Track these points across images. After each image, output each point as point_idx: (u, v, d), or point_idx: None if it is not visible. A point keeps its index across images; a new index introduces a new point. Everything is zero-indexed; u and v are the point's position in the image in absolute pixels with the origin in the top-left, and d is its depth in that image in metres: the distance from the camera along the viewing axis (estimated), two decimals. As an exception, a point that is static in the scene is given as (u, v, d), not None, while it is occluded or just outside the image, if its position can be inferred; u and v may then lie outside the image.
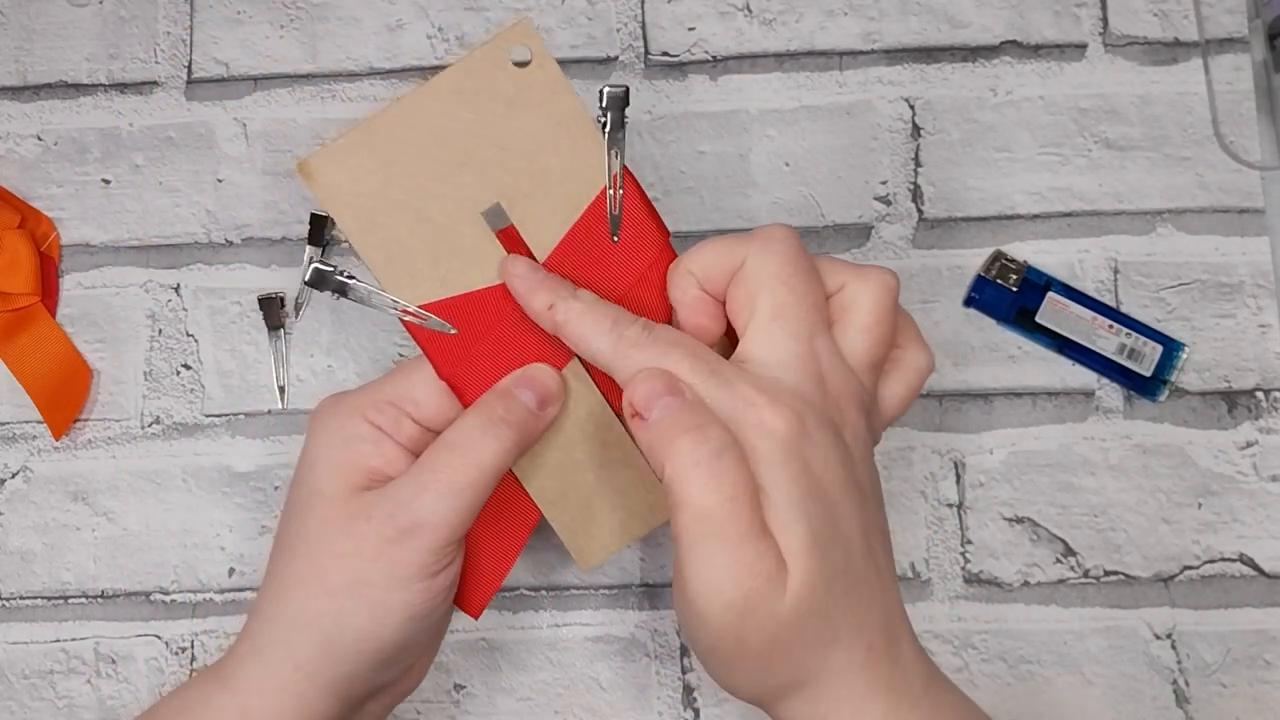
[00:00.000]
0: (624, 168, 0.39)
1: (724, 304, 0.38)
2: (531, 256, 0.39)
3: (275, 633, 0.37)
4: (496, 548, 0.41)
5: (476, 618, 0.41)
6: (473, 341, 0.39)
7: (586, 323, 0.37)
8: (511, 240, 0.39)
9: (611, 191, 0.39)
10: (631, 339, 0.36)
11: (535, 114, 0.38)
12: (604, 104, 0.39)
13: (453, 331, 0.39)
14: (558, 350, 0.39)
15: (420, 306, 0.39)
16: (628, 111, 0.39)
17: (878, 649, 0.34)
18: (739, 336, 0.37)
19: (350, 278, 0.40)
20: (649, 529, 0.41)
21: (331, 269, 0.39)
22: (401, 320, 0.39)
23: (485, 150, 0.38)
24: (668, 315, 0.40)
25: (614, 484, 0.41)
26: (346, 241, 0.38)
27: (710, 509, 0.32)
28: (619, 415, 0.40)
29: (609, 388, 0.40)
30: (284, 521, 0.39)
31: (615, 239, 0.39)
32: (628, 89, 0.39)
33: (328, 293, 0.40)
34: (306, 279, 0.39)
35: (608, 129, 0.39)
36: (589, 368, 0.40)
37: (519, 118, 0.38)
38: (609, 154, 0.39)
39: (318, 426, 0.39)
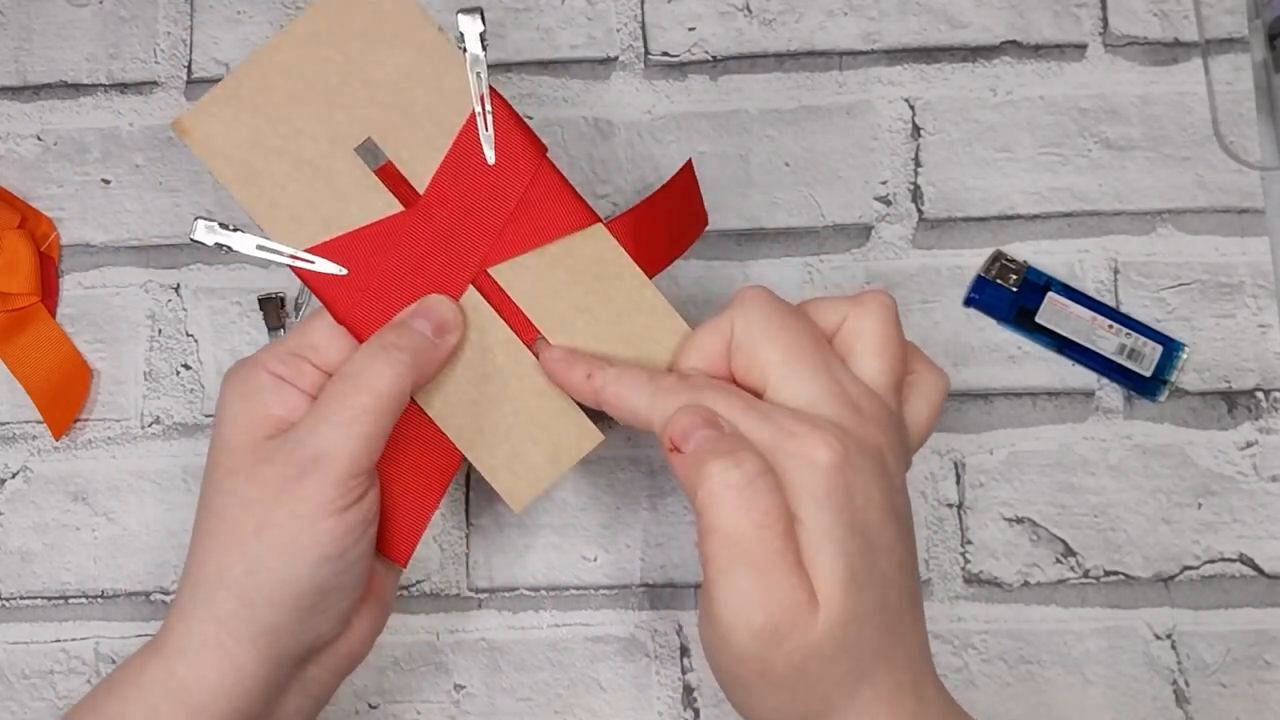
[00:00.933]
0: (490, 88, 0.39)
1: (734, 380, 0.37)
2: (410, 188, 0.39)
3: (197, 592, 0.37)
4: (417, 492, 0.40)
5: (404, 565, 0.40)
6: (365, 280, 0.39)
7: (624, 383, 0.37)
8: (390, 175, 0.39)
9: (480, 111, 0.39)
10: (668, 388, 0.36)
11: (396, 46, 0.39)
12: (461, 26, 0.39)
13: (343, 272, 0.39)
14: (452, 281, 0.39)
15: (307, 250, 0.39)
16: (485, 33, 0.39)
17: (905, 685, 0.34)
18: (762, 397, 0.36)
19: (235, 229, 0.39)
20: (577, 459, 0.40)
21: (215, 222, 0.39)
22: (291, 268, 0.39)
23: (352, 87, 0.39)
24: (556, 232, 0.39)
25: (533, 416, 0.40)
26: (233, 197, 0.39)
27: (741, 534, 0.32)
28: (530, 346, 0.40)
29: (515, 319, 0.40)
30: (202, 484, 0.39)
31: (491, 161, 0.39)
32: (481, 9, 0.39)
33: (214, 249, 0.39)
34: (191, 235, 0.39)
35: (467, 50, 0.39)
36: (490, 298, 0.40)
37: (380, 52, 0.39)
38: (472, 75, 0.39)
39: (225, 387, 0.38)
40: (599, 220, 0.39)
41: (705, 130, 0.51)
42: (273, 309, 0.50)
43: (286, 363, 0.38)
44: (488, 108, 0.39)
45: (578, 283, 0.40)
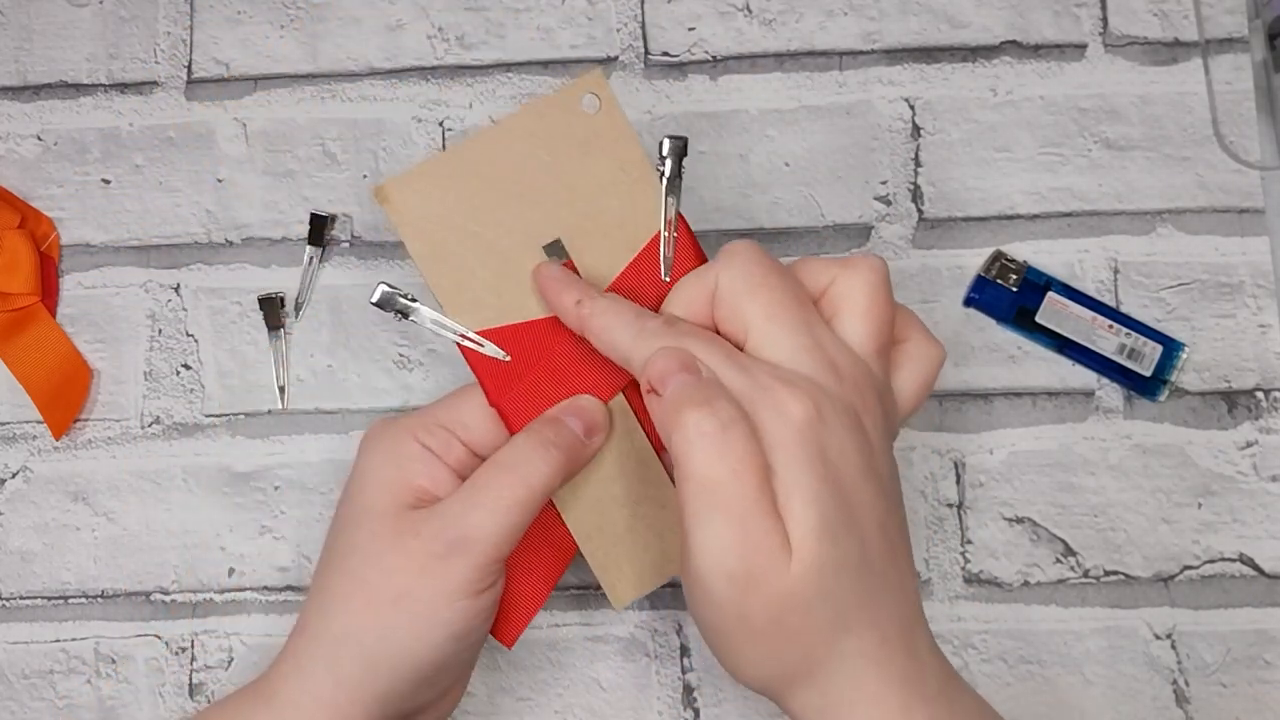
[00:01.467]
0: (679, 213, 0.41)
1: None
2: None
3: (318, 649, 0.37)
4: (533, 578, 0.41)
5: (510, 647, 0.41)
6: (524, 370, 0.40)
7: (610, 315, 0.37)
8: None
9: (666, 234, 0.40)
10: (652, 329, 0.36)
11: (601, 157, 0.41)
12: (664, 152, 0.41)
13: (507, 359, 0.40)
14: (605, 384, 0.41)
15: (478, 333, 0.40)
16: (685, 161, 0.41)
17: (892, 641, 0.34)
18: (742, 351, 0.37)
19: (414, 300, 0.41)
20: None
21: (397, 291, 0.41)
22: (459, 345, 0.40)
23: (552, 188, 0.41)
24: None
25: (650, 523, 0.41)
26: (415, 267, 0.41)
27: (714, 480, 0.33)
28: (660, 455, 0.41)
29: (652, 427, 0.41)
30: (331, 538, 0.39)
31: (666, 279, 0.40)
32: (686, 140, 0.41)
33: (391, 314, 0.41)
34: (374, 300, 0.41)
35: (666, 176, 0.41)
36: (635, 407, 0.41)
37: (586, 160, 0.41)
38: (665, 199, 0.40)
39: (369, 446, 0.39)
40: None
41: (705, 130, 0.51)
42: (273, 309, 0.50)
43: (435, 435, 0.39)
44: (673, 233, 0.40)
45: None
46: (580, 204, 0.41)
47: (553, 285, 0.39)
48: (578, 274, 0.41)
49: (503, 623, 0.41)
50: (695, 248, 0.41)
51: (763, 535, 0.32)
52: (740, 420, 0.33)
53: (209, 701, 0.48)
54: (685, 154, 0.41)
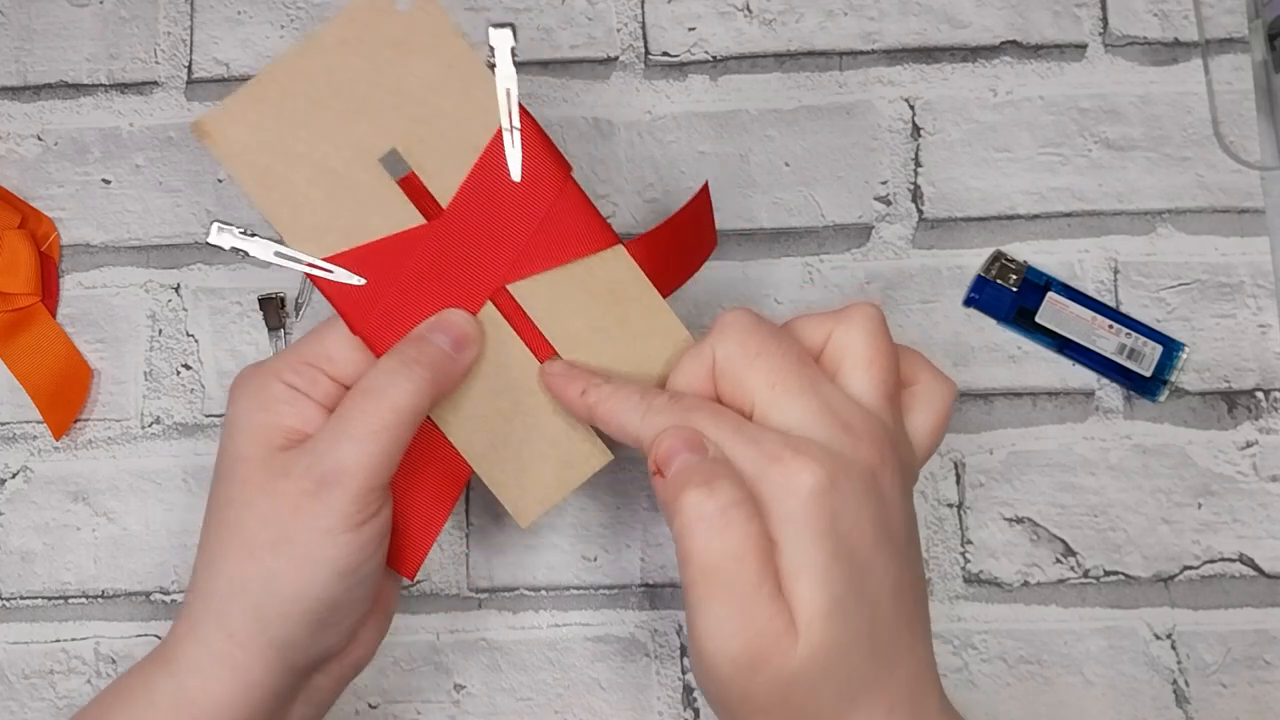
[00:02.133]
0: (520, 106, 0.38)
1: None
2: (433, 201, 0.39)
3: (206, 604, 0.36)
4: (426, 505, 0.40)
5: (412, 578, 0.40)
6: (382, 292, 0.38)
7: (615, 400, 0.37)
8: (412, 186, 0.39)
9: (508, 129, 0.38)
10: (658, 407, 0.36)
11: (425, 58, 0.38)
12: (492, 40, 0.38)
13: (361, 282, 0.38)
14: (471, 294, 0.39)
15: (325, 259, 0.38)
16: (516, 48, 0.38)
17: (900, 710, 0.33)
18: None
19: (252, 235, 0.39)
20: (585, 477, 0.40)
21: (233, 227, 0.39)
22: (308, 276, 0.38)
23: (378, 97, 0.38)
24: (576, 252, 0.39)
25: (544, 433, 0.40)
26: (251, 202, 0.38)
27: (714, 565, 0.32)
28: (544, 364, 0.40)
29: (531, 336, 0.39)
30: (211, 493, 0.38)
31: (517, 179, 0.39)
32: (514, 25, 0.38)
33: (230, 251, 0.39)
34: (209, 239, 0.38)
35: (496, 65, 0.38)
36: (506, 314, 0.39)
37: (409, 63, 0.38)
38: (502, 91, 0.38)
39: (236, 393, 0.38)
40: (619, 242, 0.39)
41: (705, 130, 0.51)
42: (273, 309, 0.50)
43: (300, 373, 0.38)
44: (516, 124, 0.38)
45: (595, 303, 0.39)
46: (411, 109, 0.38)
47: (557, 383, 0.39)
48: (421, 185, 0.39)
49: (399, 553, 0.39)
50: (544, 141, 0.39)
51: (766, 620, 0.32)
52: (742, 502, 0.32)
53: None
54: (516, 42, 0.38)
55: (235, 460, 0.37)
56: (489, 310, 0.39)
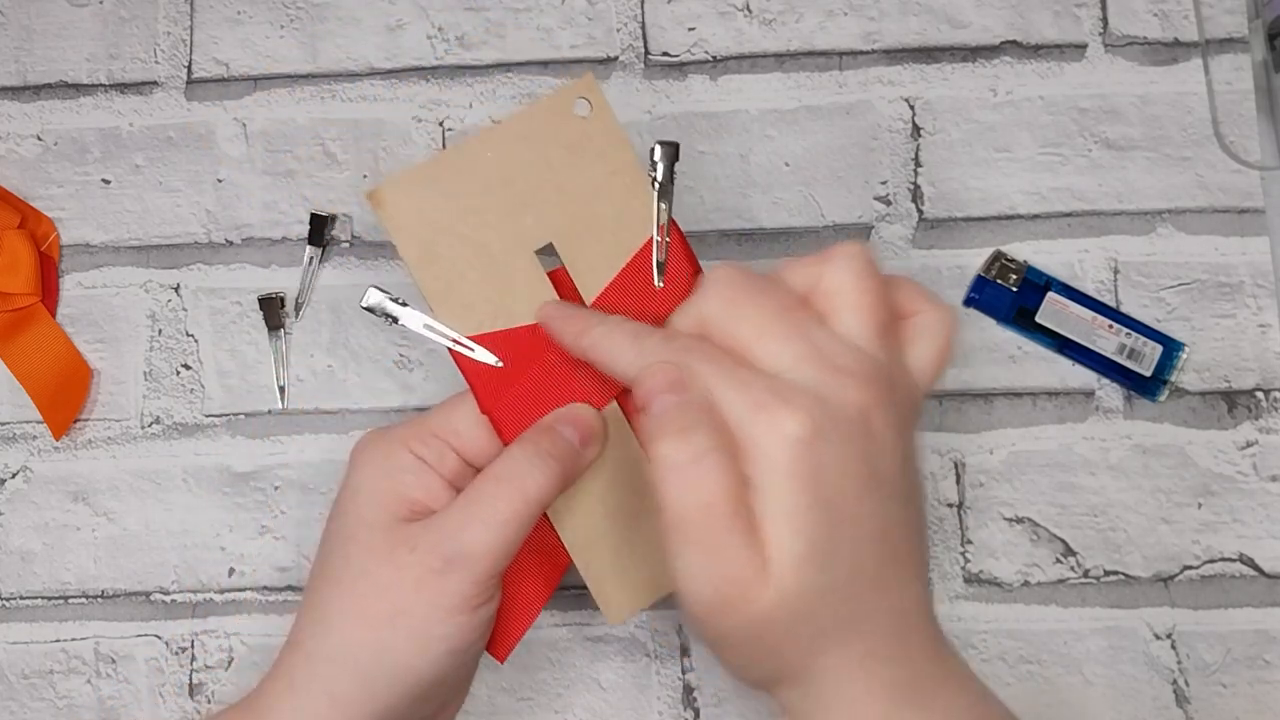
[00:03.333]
0: (671, 218, 0.40)
1: None
2: (579, 297, 0.40)
3: (313, 667, 0.37)
4: (527, 592, 0.41)
5: (502, 662, 0.41)
6: (516, 377, 0.40)
7: (610, 339, 0.37)
8: (561, 280, 0.41)
9: (658, 239, 0.40)
10: (651, 346, 0.36)
11: (593, 162, 0.40)
12: (655, 158, 0.40)
13: (498, 364, 0.40)
14: (599, 392, 0.40)
15: (469, 338, 0.40)
16: (676, 166, 0.41)
17: (879, 653, 0.34)
18: None
19: (404, 304, 0.41)
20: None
21: (387, 294, 0.41)
22: (450, 350, 0.40)
23: (544, 193, 0.40)
24: None
25: (646, 536, 0.41)
26: (406, 270, 0.40)
27: (684, 515, 0.32)
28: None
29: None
30: (323, 552, 0.39)
31: (659, 284, 0.40)
32: (678, 145, 0.40)
33: (381, 318, 0.41)
34: (364, 304, 0.41)
35: (658, 180, 0.40)
36: (628, 415, 0.41)
37: (578, 165, 0.40)
38: (657, 204, 0.40)
39: (361, 458, 0.39)
40: None
41: (705, 130, 0.51)
42: (273, 309, 0.50)
43: (429, 444, 0.39)
44: (666, 238, 0.40)
45: None
46: (572, 208, 0.40)
47: (554, 323, 0.39)
48: (570, 281, 0.40)
49: (496, 636, 0.41)
50: (688, 253, 0.40)
51: (736, 567, 0.32)
52: (714, 449, 0.32)
53: (209, 702, 0.48)
54: (677, 159, 0.41)
55: (357, 524, 0.38)
56: (613, 409, 0.41)
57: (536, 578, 0.41)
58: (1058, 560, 0.48)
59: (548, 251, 0.40)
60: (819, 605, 0.33)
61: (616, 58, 0.52)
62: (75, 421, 0.50)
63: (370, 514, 0.37)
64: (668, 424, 0.33)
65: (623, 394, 0.40)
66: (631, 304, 0.40)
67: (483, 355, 0.40)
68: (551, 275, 0.41)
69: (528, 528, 0.37)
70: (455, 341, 0.40)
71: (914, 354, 0.37)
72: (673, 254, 0.40)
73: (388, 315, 0.41)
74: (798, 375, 0.33)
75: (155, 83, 0.53)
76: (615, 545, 0.41)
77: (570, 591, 0.48)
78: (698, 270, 0.41)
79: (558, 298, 0.40)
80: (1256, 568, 0.48)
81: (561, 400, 0.40)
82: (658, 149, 0.40)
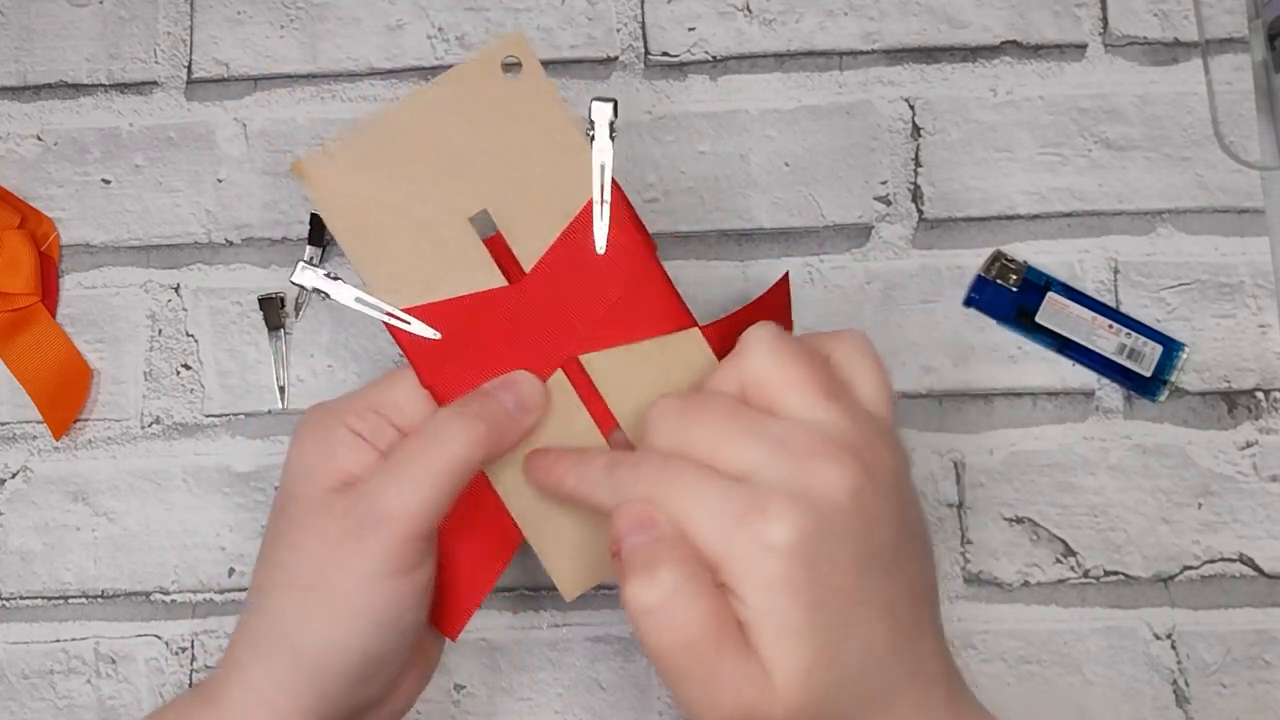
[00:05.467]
0: (612, 180, 0.39)
1: None
2: (516, 264, 0.39)
3: (253, 646, 0.36)
4: (475, 568, 0.40)
5: (454, 639, 0.40)
6: (456, 348, 0.39)
7: (586, 478, 0.36)
8: (498, 247, 0.39)
9: (599, 202, 0.39)
10: (620, 477, 0.34)
11: (525, 123, 0.39)
12: (593, 114, 0.39)
13: (436, 337, 0.39)
14: (543, 360, 0.39)
15: (404, 310, 0.39)
16: (615, 123, 0.39)
17: (904, 717, 0.33)
18: None
19: (335, 278, 0.40)
20: None
21: (317, 268, 0.40)
22: (385, 325, 0.39)
23: (475, 157, 0.39)
24: (652, 330, 0.39)
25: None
26: (338, 245, 0.39)
27: (667, 655, 0.31)
28: (607, 438, 0.40)
29: (597, 408, 0.39)
30: (266, 532, 0.38)
31: (600, 250, 0.39)
32: (615, 101, 0.39)
33: (311, 292, 0.40)
34: (293, 277, 0.39)
35: (595, 139, 0.39)
36: (576, 385, 0.39)
37: (509, 126, 0.39)
38: (597, 164, 0.39)
39: (300, 435, 0.38)
40: (696, 324, 0.39)
41: (705, 130, 0.51)
42: (273, 309, 0.50)
43: (366, 419, 0.38)
44: (606, 198, 0.39)
45: (665, 382, 0.39)
46: (506, 173, 0.39)
47: (537, 476, 0.38)
48: (507, 248, 0.39)
49: (443, 612, 0.39)
50: (631, 216, 0.39)
51: (738, 691, 0.31)
52: (684, 584, 0.31)
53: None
54: (615, 115, 0.39)
55: (289, 499, 0.37)
56: (559, 378, 0.39)
57: (485, 552, 0.40)
58: (1058, 560, 0.48)
59: (481, 219, 0.39)
60: (835, 698, 0.32)
61: (616, 58, 0.52)
62: (75, 421, 0.50)
63: (302, 489, 0.37)
64: (633, 564, 0.32)
65: (569, 364, 0.39)
66: (573, 271, 0.39)
67: (419, 328, 0.39)
68: (487, 242, 0.39)
69: (452, 488, 0.36)
70: (389, 315, 0.39)
71: (858, 394, 0.35)
72: (615, 219, 0.39)
73: (319, 291, 0.39)
74: (770, 473, 0.32)
75: (155, 83, 0.53)
76: (567, 518, 0.39)
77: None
78: (645, 237, 0.39)
79: (494, 266, 0.39)
80: (1256, 568, 0.48)
81: (503, 369, 0.39)
82: (594, 105, 0.39)
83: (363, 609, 0.35)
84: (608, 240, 0.39)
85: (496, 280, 0.39)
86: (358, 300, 0.39)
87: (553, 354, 0.39)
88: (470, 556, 0.40)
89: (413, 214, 0.39)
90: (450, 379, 0.39)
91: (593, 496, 0.35)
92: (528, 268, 0.39)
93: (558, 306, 0.39)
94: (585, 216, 0.39)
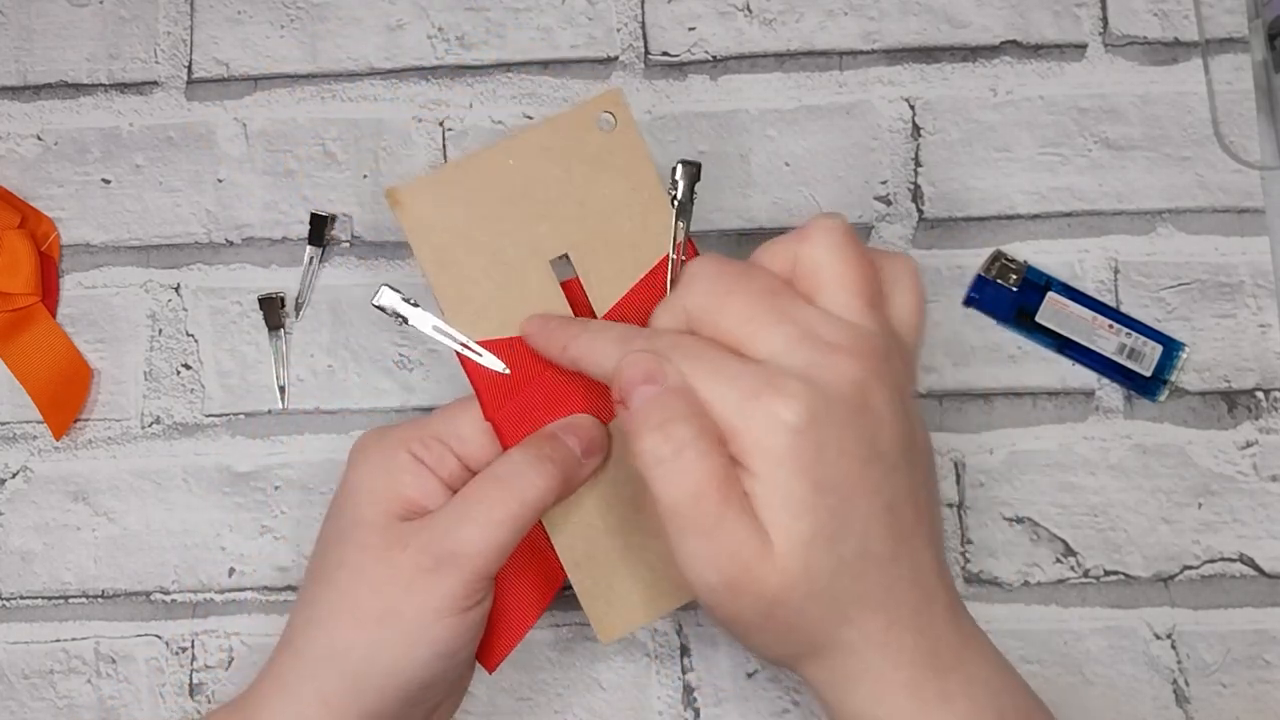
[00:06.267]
0: (688, 238, 0.41)
1: None
2: (591, 309, 0.40)
3: (303, 666, 0.37)
4: (520, 603, 0.41)
5: (491, 672, 0.41)
6: (522, 385, 0.40)
7: (596, 344, 0.37)
8: (574, 291, 0.41)
9: (674, 257, 0.40)
10: (636, 347, 0.35)
11: (614, 177, 0.41)
12: (676, 175, 0.41)
13: (505, 371, 0.40)
14: (605, 405, 0.40)
15: (478, 343, 0.40)
16: (697, 186, 0.41)
17: (900, 622, 0.34)
18: None
19: (415, 304, 0.41)
20: (676, 606, 0.41)
21: (399, 294, 0.41)
22: (457, 355, 0.40)
23: (563, 204, 0.41)
24: None
25: (644, 555, 0.40)
26: (420, 271, 0.40)
27: (677, 506, 0.32)
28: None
29: None
30: (318, 551, 0.39)
31: None
32: (699, 165, 0.41)
33: (391, 316, 0.41)
34: (376, 302, 0.41)
35: (678, 198, 0.41)
36: None
37: (598, 177, 0.41)
38: (676, 222, 0.41)
39: (359, 458, 0.39)
40: None
41: (705, 130, 0.51)
42: (273, 309, 0.50)
43: (429, 447, 0.38)
44: (682, 256, 0.40)
45: None
46: (590, 221, 0.41)
47: (537, 338, 0.39)
48: (583, 293, 0.40)
49: (486, 645, 0.40)
50: None
51: (736, 547, 0.32)
52: (696, 439, 0.32)
53: (209, 702, 0.48)
54: (699, 178, 0.41)
55: (352, 524, 0.37)
56: (617, 424, 0.40)
57: (531, 590, 0.41)
58: (1058, 560, 0.48)
59: (563, 263, 0.41)
60: (831, 583, 0.33)
61: (616, 58, 0.52)
62: (75, 421, 0.50)
63: (366, 513, 0.37)
64: (647, 418, 0.33)
65: None
66: (641, 318, 0.40)
67: (490, 361, 0.40)
68: (565, 286, 0.41)
69: (522, 531, 0.37)
70: (464, 345, 0.40)
71: (892, 311, 0.36)
72: None
73: (398, 315, 0.41)
74: (789, 360, 0.33)
75: (155, 83, 0.53)
76: (612, 562, 0.40)
77: (569, 592, 0.48)
78: None
79: (569, 309, 0.40)
80: (1256, 568, 0.48)
81: (566, 410, 0.40)
82: (679, 168, 0.41)
83: (429, 640, 0.36)
84: None
85: None
86: (435, 329, 0.40)
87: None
88: (516, 594, 0.41)
89: (497, 251, 0.40)
90: (514, 415, 0.40)
91: (599, 364, 0.36)
92: (601, 314, 0.40)
93: None
94: (660, 271, 0.41)
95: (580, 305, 0.40)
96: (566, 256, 0.41)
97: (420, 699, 0.37)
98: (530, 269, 0.40)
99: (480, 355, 0.40)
